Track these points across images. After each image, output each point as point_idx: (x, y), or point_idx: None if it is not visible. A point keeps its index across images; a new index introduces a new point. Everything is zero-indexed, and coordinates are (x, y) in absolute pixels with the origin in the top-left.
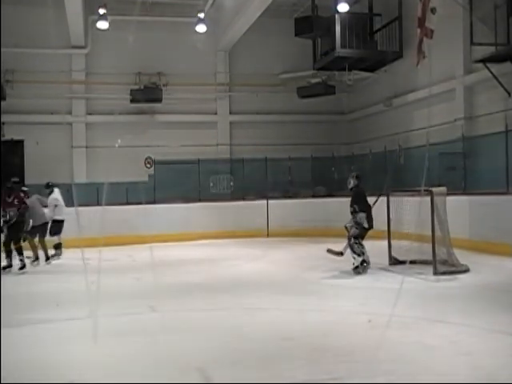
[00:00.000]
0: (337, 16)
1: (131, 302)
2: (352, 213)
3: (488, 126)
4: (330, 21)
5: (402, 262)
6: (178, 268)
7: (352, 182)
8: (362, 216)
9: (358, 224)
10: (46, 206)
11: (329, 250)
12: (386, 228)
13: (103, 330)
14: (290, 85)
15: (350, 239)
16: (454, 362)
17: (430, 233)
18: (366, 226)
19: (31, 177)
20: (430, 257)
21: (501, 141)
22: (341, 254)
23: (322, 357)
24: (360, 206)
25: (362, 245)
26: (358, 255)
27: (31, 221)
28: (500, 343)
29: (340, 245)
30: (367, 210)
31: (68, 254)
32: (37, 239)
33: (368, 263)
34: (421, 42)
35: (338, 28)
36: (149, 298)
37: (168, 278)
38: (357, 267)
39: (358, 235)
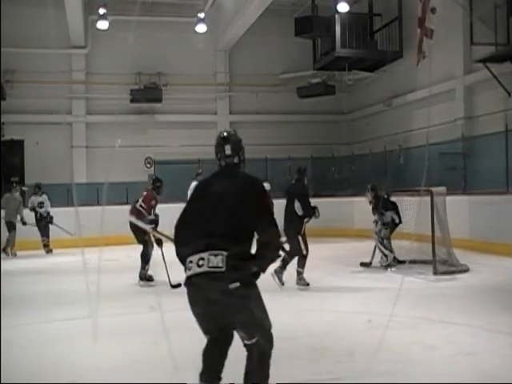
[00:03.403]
0: (337, 16)
1: (131, 301)
2: (380, 216)
3: (488, 126)
4: (330, 21)
5: (402, 262)
6: (178, 268)
7: (369, 196)
8: (389, 214)
9: (386, 224)
10: None
11: (361, 264)
12: None
13: (103, 330)
14: (290, 85)
15: (380, 243)
16: (454, 362)
17: (430, 233)
18: (397, 221)
19: (31, 177)
20: (430, 257)
21: (501, 141)
22: (370, 264)
23: (321, 357)
24: (385, 206)
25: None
26: (391, 251)
27: None
28: (500, 343)
29: (341, 244)
30: (394, 207)
31: (68, 255)
32: None
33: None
34: (421, 41)
35: (337, 28)
36: (149, 298)
37: None
38: (389, 264)
39: (388, 235)
